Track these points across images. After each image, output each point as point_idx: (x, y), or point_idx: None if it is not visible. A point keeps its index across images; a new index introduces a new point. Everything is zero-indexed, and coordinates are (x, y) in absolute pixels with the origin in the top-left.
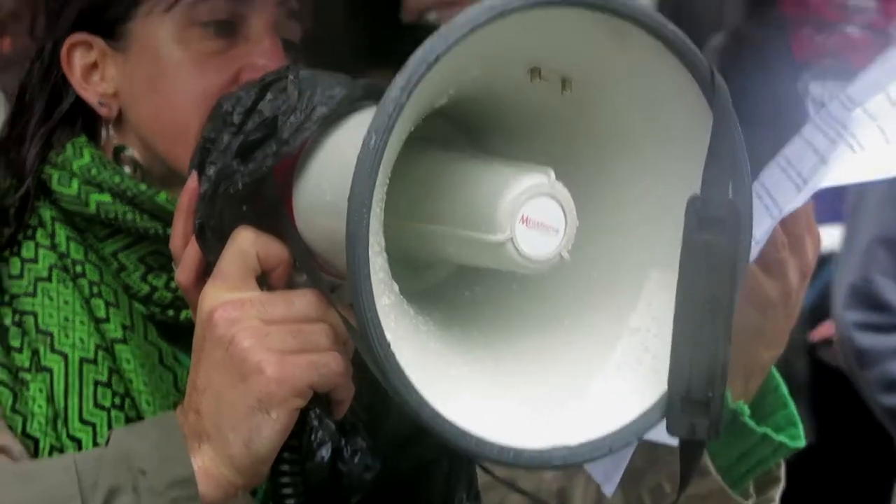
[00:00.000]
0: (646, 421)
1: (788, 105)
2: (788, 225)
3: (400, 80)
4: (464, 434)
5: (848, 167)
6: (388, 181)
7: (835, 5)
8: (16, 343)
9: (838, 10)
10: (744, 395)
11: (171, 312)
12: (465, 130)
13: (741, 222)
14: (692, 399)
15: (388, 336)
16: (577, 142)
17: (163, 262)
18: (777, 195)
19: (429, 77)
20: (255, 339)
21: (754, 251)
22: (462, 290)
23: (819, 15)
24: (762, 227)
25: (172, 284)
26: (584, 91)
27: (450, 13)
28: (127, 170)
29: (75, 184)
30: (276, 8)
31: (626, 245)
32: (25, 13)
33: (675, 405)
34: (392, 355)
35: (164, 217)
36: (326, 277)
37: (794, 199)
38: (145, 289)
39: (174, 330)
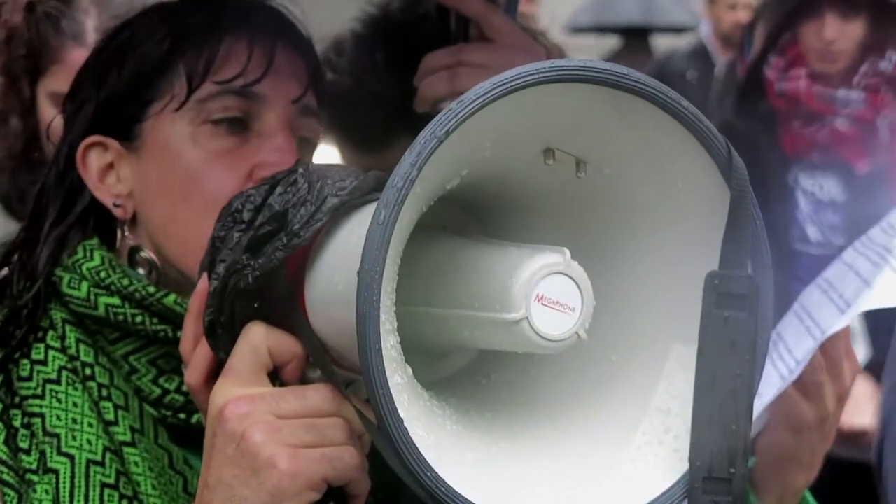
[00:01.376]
0: (668, 501)
1: (779, 197)
2: (827, 348)
3: (410, 155)
4: None
5: (893, 290)
6: (398, 262)
7: (823, 98)
8: (24, 444)
9: (827, 103)
10: None
11: (182, 416)
12: (477, 216)
13: (761, 298)
14: (714, 477)
15: (402, 413)
16: (592, 221)
17: (174, 364)
18: (818, 317)
19: (441, 154)
20: (267, 433)
21: (796, 371)
22: (479, 378)
23: (808, 108)
24: (804, 348)
25: (184, 388)
26: (599, 170)
27: None
28: (142, 271)
29: (84, 286)
30: (290, 105)
31: (644, 323)
32: (12, 114)
33: (698, 484)
34: (405, 431)
35: (175, 319)
36: (340, 372)
37: (838, 321)
38: (157, 392)
39: (186, 433)
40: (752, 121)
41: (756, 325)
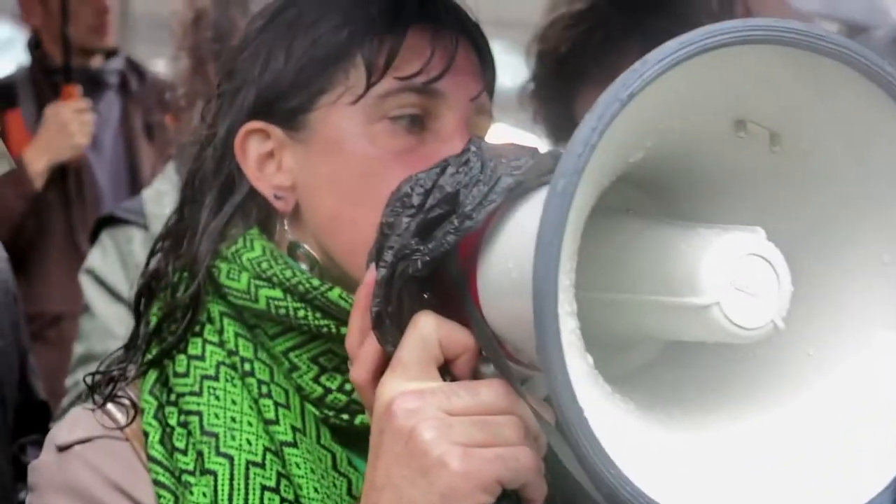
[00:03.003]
0: None
1: None
2: None
3: (590, 119)
4: None
5: None
6: (578, 241)
7: None
8: (180, 444)
9: None
10: None
11: (345, 416)
12: (660, 197)
13: None
14: None
15: (582, 403)
16: (787, 200)
17: (337, 362)
18: None
19: (623, 120)
20: (437, 430)
21: None
22: (663, 373)
23: None
24: None
25: (347, 386)
26: (795, 145)
27: None
28: (303, 266)
29: (245, 278)
30: (469, 104)
31: (843, 311)
32: (200, 98)
33: None
34: (585, 421)
35: (338, 315)
36: (516, 368)
37: None
38: (318, 391)
39: (349, 434)
40: None
41: None
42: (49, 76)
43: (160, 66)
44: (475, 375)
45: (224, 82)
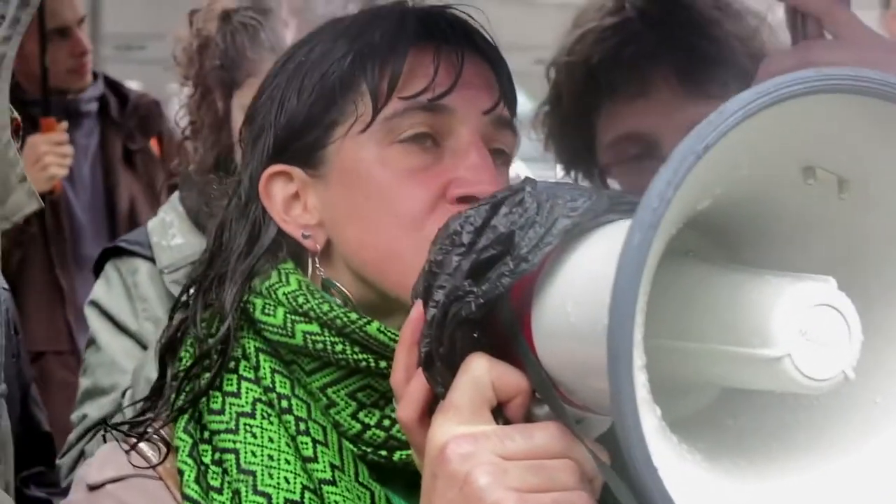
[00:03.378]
0: None
1: None
2: None
3: (665, 172)
4: None
5: None
6: (648, 293)
7: None
8: (215, 483)
9: None
10: None
11: (383, 453)
12: (723, 242)
13: None
14: None
15: (655, 462)
16: (854, 248)
17: (375, 398)
18: None
19: (696, 171)
20: (492, 476)
21: None
22: (725, 419)
23: None
24: None
25: (385, 423)
26: (863, 191)
27: None
28: (338, 301)
29: (281, 313)
30: (482, 117)
31: None
32: (206, 127)
33: None
34: (660, 482)
35: (377, 349)
36: (570, 410)
37: None
38: (356, 427)
39: (386, 471)
40: None
41: None
42: (25, 108)
43: (133, 86)
44: (528, 418)
45: (245, 130)
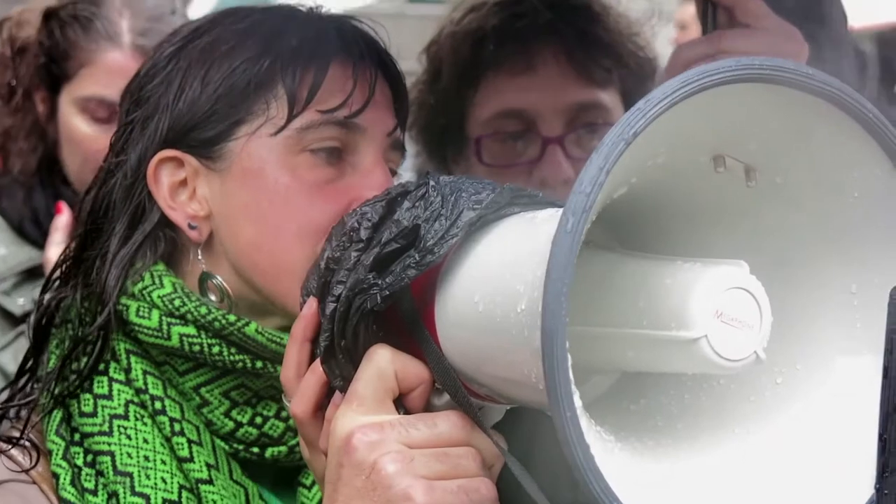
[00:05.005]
0: None
1: None
2: None
3: (597, 158)
4: None
5: None
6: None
7: None
8: (89, 485)
9: None
10: None
11: (255, 450)
12: (620, 233)
13: None
14: None
15: (588, 441)
16: (759, 233)
17: (248, 396)
18: None
19: (622, 159)
20: (400, 463)
21: None
22: (626, 403)
23: None
24: None
25: (258, 420)
26: (769, 179)
27: None
28: (213, 298)
29: (156, 315)
30: (386, 137)
31: (811, 338)
32: (22, 133)
33: None
34: (592, 459)
35: (255, 349)
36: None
37: None
38: (229, 425)
39: (257, 468)
40: None
41: None
42: None
43: None
44: (427, 408)
45: (133, 109)
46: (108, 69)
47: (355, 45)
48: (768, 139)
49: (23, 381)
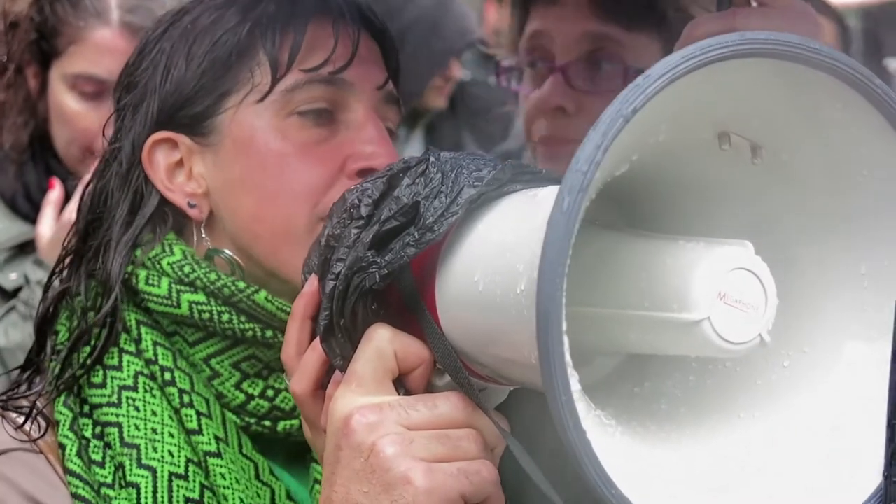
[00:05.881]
0: None
1: None
2: None
3: (594, 135)
4: None
5: None
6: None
7: None
8: (97, 457)
9: None
10: None
11: (267, 423)
12: (626, 211)
13: None
14: None
15: (584, 426)
16: (766, 213)
17: (258, 368)
18: None
19: (621, 135)
20: (399, 445)
21: None
22: (630, 385)
23: None
24: None
25: (269, 393)
26: (775, 156)
27: None
28: (224, 271)
29: (165, 283)
30: (376, 92)
31: (819, 321)
32: (14, 109)
33: None
34: (588, 444)
35: (263, 318)
36: (472, 379)
37: None
38: (240, 397)
39: (269, 442)
40: None
41: None
42: None
43: None
44: (428, 389)
45: (123, 96)
46: (97, 46)
47: (334, 4)
48: (774, 116)
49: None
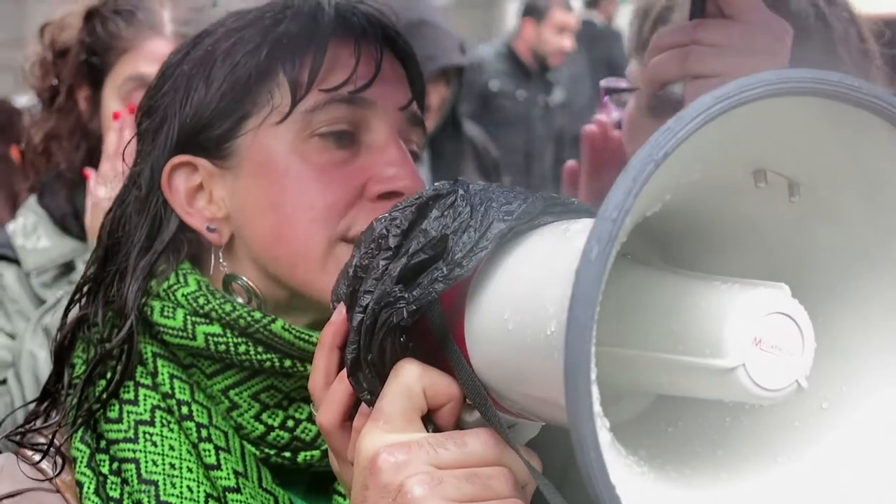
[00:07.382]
0: None
1: None
2: None
3: (624, 181)
4: None
5: None
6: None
7: None
8: (115, 493)
9: None
10: None
11: (287, 454)
12: (660, 246)
13: None
14: None
15: (613, 479)
16: (801, 253)
17: (278, 398)
18: None
19: (652, 178)
20: (427, 486)
21: None
22: (663, 425)
23: None
24: None
25: (289, 423)
26: (813, 193)
27: (697, 88)
28: (240, 300)
29: (180, 315)
30: (399, 113)
31: (859, 362)
32: (65, 133)
33: None
34: (618, 500)
35: (281, 347)
36: (502, 416)
37: None
38: (259, 429)
39: (288, 474)
40: None
41: None
42: None
43: None
44: (458, 425)
45: (144, 120)
46: (150, 54)
47: (355, 23)
48: (810, 153)
49: (45, 404)
